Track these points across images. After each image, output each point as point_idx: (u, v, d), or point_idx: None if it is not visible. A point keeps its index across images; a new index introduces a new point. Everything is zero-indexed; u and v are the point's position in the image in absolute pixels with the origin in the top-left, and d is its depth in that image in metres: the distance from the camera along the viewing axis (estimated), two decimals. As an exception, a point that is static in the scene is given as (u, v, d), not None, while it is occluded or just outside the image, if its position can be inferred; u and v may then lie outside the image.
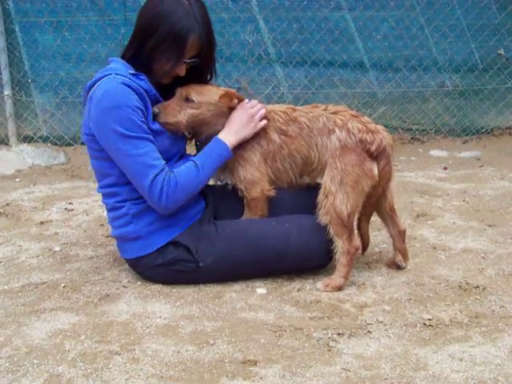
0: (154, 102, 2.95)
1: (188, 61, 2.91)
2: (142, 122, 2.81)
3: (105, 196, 3.05)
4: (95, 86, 2.85)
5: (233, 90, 3.07)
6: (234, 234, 3.02)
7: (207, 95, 3.00)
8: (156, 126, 2.91)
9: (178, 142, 3.05)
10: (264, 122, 3.05)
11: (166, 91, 3.02)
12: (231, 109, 3.05)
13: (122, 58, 2.98)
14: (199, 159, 2.93)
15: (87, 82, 2.94)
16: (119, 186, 2.95)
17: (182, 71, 2.94)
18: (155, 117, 2.91)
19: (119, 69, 2.88)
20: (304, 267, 3.11)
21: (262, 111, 3.05)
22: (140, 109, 2.81)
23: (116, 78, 2.81)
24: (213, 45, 2.99)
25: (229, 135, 2.99)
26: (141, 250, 3.00)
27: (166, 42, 2.82)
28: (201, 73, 3.06)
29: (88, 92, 2.90)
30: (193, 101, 2.96)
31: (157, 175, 2.80)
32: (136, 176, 2.83)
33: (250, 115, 3.01)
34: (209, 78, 3.12)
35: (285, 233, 3.02)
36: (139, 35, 2.90)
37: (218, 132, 3.02)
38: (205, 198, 3.21)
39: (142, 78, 2.90)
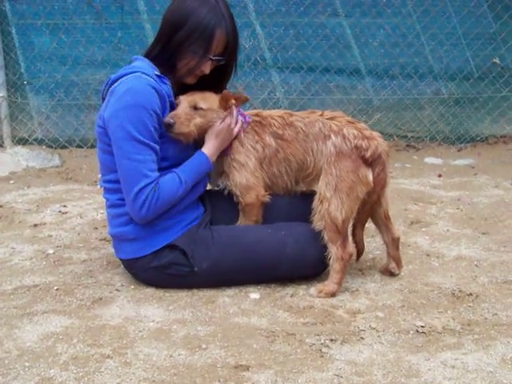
0: (170, 108, 2.95)
1: (214, 58, 2.92)
2: (155, 128, 2.82)
3: (107, 191, 3.04)
4: (119, 80, 2.86)
5: (227, 91, 3.05)
6: (230, 240, 3.01)
7: (211, 101, 3.00)
8: None
9: (187, 149, 3.03)
10: (238, 128, 3.05)
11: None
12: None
13: (147, 56, 2.99)
14: (183, 173, 2.91)
15: (111, 76, 2.93)
16: None
17: (207, 68, 2.95)
18: (169, 127, 2.86)
19: (145, 68, 2.88)
20: (299, 275, 3.10)
21: (239, 122, 3.06)
22: (157, 114, 2.82)
23: (142, 77, 2.82)
24: (238, 44, 3.01)
25: (212, 150, 2.99)
26: (137, 251, 2.99)
27: (193, 35, 2.85)
28: (222, 77, 3.09)
29: (110, 86, 2.90)
30: (201, 108, 2.95)
31: (146, 186, 2.80)
32: (127, 179, 2.83)
33: (231, 128, 3.02)
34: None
35: (281, 240, 3.01)
36: (167, 30, 2.92)
37: None
38: (203, 202, 3.20)
39: (166, 81, 2.91)
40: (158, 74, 2.89)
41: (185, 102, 2.96)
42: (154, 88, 2.81)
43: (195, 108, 2.95)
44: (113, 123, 2.81)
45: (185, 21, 2.86)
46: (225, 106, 3.03)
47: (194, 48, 2.88)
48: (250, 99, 3.14)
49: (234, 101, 3.03)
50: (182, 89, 3.04)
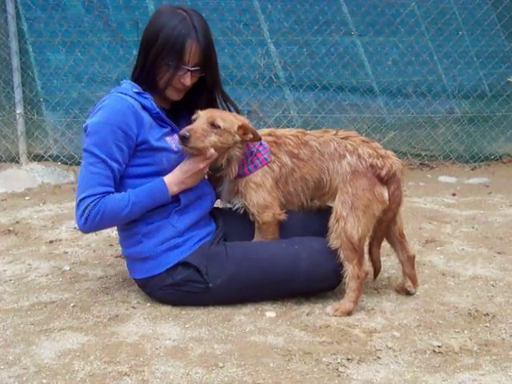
0: (157, 120, 2.97)
1: (192, 68, 2.94)
2: (118, 146, 2.83)
3: None
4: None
5: (248, 124, 3.02)
6: (244, 255, 3.02)
7: (229, 123, 2.96)
8: (160, 144, 2.94)
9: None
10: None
11: (175, 113, 3.10)
12: (245, 141, 3.03)
13: (131, 78, 3.05)
14: (135, 196, 2.89)
15: None
16: None
17: (187, 80, 2.97)
18: (184, 140, 2.86)
19: (125, 88, 2.95)
20: (314, 289, 3.11)
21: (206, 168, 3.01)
22: (125, 132, 2.83)
23: (116, 95, 2.89)
24: (213, 54, 3.03)
25: (175, 183, 2.95)
26: (150, 270, 3.00)
27: (165, 49, 2.90)
28: (211, 91, 3.12)
29: None
30: (219, 127, 2.92)
31: (89, 196, 2.82)
32: (78, 186, 2.88)
33: (200, 170, 2.97)
34: (232, 109, 3.19)
35: (294, 254, 3.02)
36: (143, 49, 2.98)
37: (230, 160, 3.04)
38: (215, 219, 3.22)
39: (146, 96, 2.95)
40: (137, 91, 2.94)
41: (203, 117, 2.94)
42: (127, 106, 2.85)
43: (213, 125, 2.92)
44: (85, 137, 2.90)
45: (156, 37, 2.91)
46: (242, 134, 3.00)
47: (168, 61, 2.92)
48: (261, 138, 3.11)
49: (251, 135, 3.01)
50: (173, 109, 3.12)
